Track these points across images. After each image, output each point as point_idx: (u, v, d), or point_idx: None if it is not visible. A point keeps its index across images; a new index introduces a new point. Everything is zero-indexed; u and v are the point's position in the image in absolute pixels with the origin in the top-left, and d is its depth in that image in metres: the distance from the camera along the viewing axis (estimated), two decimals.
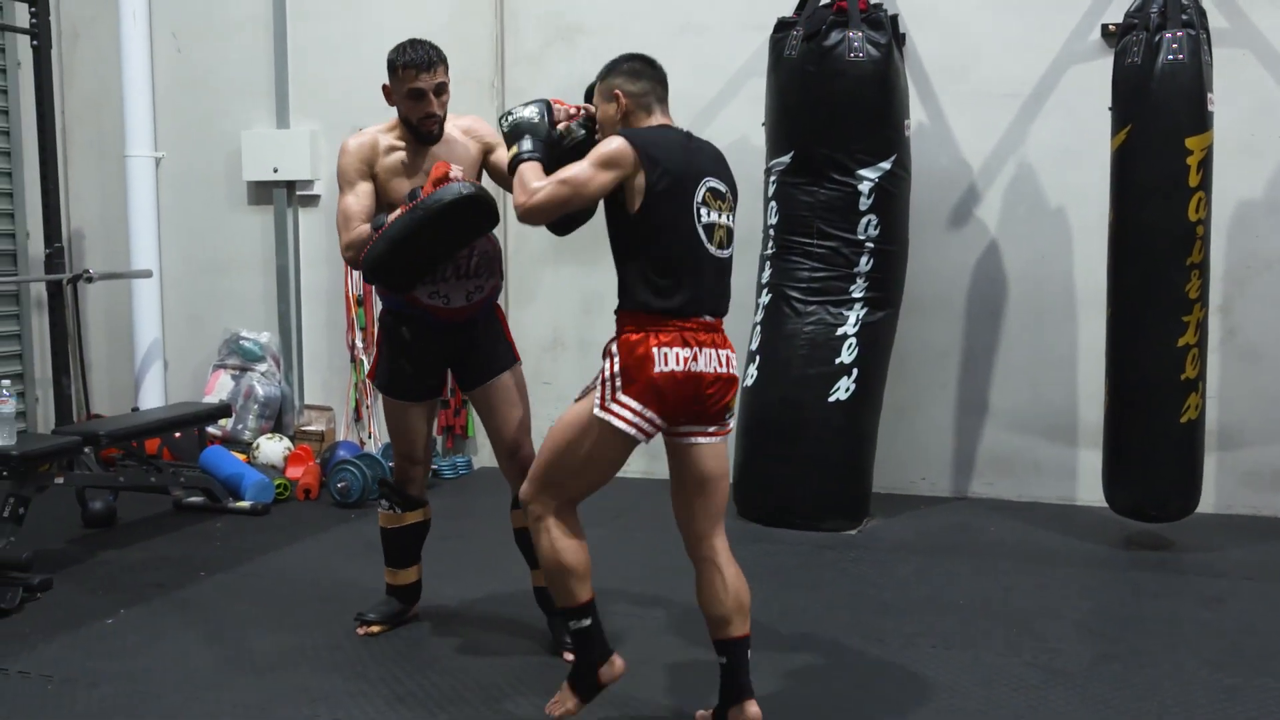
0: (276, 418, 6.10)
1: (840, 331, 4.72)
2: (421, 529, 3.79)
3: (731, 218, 2.93)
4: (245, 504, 5.15)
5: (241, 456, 5.59)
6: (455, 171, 3.30)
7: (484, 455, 6.01)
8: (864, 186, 4.69)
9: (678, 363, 2.76)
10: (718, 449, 2.90)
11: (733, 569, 2.93)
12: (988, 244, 5.27)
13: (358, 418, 6.10)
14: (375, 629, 3.70)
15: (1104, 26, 5.04)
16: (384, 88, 3.47)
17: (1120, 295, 4.45)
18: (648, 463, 5.76)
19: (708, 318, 2.84)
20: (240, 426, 5.97)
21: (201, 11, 6.26)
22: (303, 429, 6.13)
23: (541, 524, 2.90)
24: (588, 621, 2.92)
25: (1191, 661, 3.43)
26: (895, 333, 4.93)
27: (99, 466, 5.05)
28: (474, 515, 5.15)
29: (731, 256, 2.93)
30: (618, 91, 2.95)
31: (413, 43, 3.46)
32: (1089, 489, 4.96)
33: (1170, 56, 4.30)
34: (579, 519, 2.97)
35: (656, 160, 2.79)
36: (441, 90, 3.43)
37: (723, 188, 2.92)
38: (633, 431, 2.77)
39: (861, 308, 4.75)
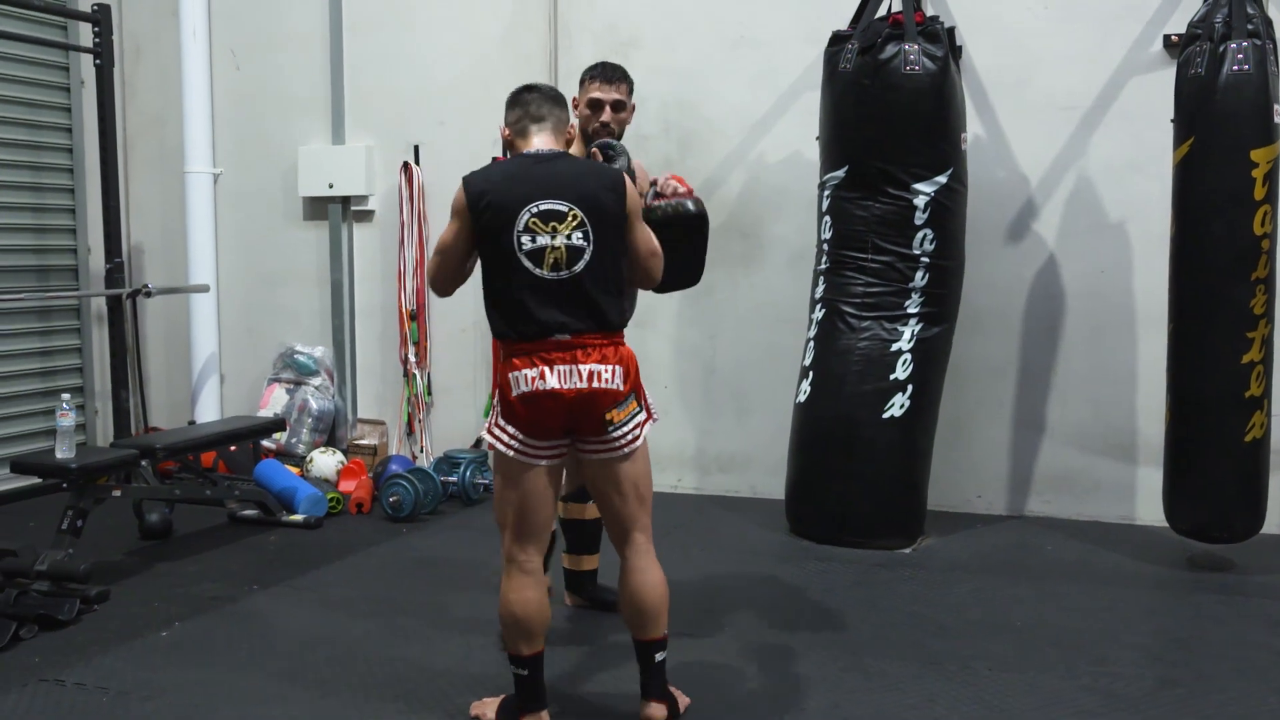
0: (330, 431, 6.14)
1: (895, 347, 4.67)
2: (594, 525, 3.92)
3: (582, 235, 2.90)
4: (299, 517, 5.19)
5: (295, 470, 5.63)
6: (668, 184, 3.58)
7: None
8: (920, 201, 4.64)
9: (528, 384, 2.89)
10: (609, 462, 2.99)
11: (644, 575, 3.06)
12: (1046, 258, 5.19)
13: (410, 432, 6.13)
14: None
15: (1166, 37, 4.96)
16: (572, 99, 3.68)
17: (1182, 310, 4.35)
18: (699, 478, 5.75)
19: (562, 337, 2.90)
20: (294, 440, 6.02)
21: (259, 28, 6.35)
22: (355, 443, 6.17)
23: (505, 568, 3.01)
24: (525, 671, 3.01)
25: (1259, 688, 3.33)
26: (951, 348, 4.86)
27: (156, 479, 5.11)
28: None
29: (586, 272, 2.90)
30: (501, 125, 3.16)
31: (603, 63, 3.81)
32: (1149, 508, 4.86)
33: (1235, 67, 4.21)
34: (545, 571, 3.06)
35: (483, 195, 2.94)
36: (619, 107, 3.71)
37: (563, 207, 2.91)
38: (510, 453, 2.93)
39: (917, 323, 4.69)
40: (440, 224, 6.05)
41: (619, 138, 3.72)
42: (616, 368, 2.93)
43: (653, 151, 5.72)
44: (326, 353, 6.22)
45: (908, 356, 4.66)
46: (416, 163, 6.08)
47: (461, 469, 5.53)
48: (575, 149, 3.25)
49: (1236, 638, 3.74)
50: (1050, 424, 5.23)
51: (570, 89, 5.83)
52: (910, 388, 4.66)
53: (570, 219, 2.91)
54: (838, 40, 4.83)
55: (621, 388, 2.93)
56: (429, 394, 6.11)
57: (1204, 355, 4.28)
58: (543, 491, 2.97)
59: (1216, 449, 4.28)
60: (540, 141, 3.05)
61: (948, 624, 3.88)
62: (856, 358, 4.71)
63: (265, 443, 5.89)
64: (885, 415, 4.65)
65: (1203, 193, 4.27)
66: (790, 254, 5.45)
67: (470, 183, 2.98)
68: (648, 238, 3.08)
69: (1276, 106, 4.26)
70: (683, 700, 3.19)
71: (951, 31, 4.83)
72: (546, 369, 2.88)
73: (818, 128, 4.96)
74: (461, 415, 6.07)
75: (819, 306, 4.87)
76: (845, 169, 4.75)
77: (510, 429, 2.93)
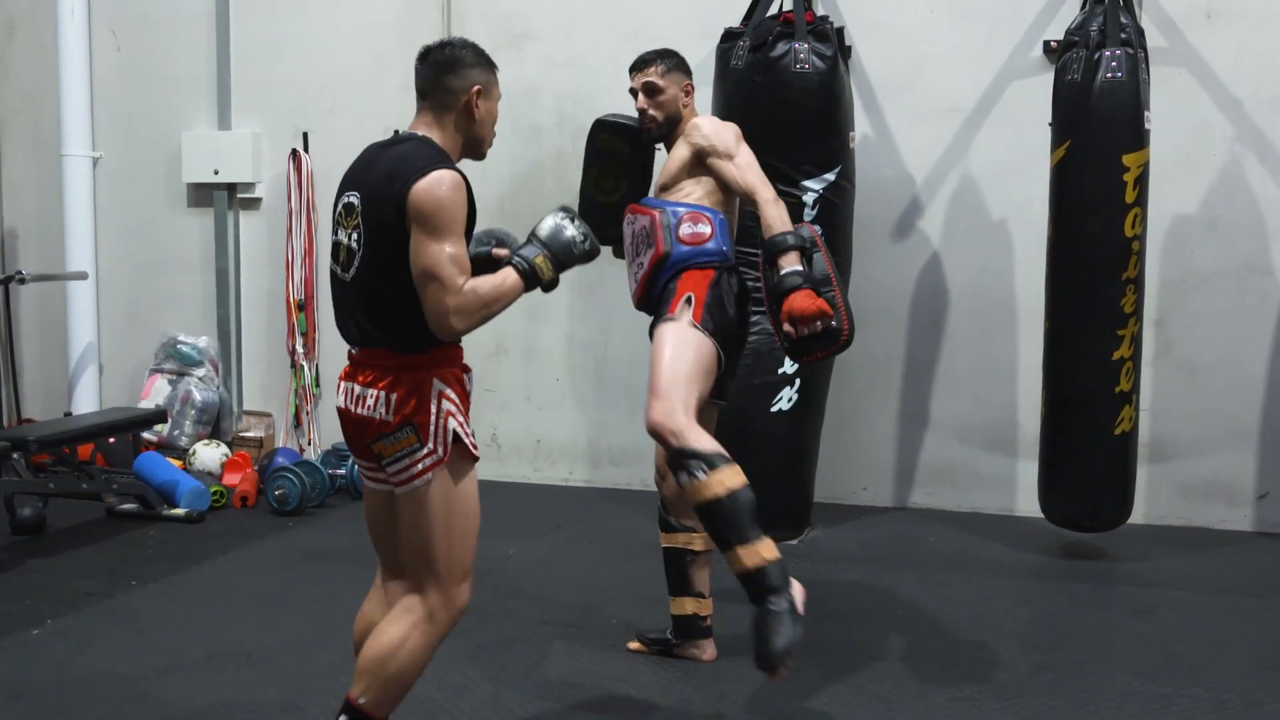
0: (214, 424, 6.01)
1: None
2: (679, 555, 3.46)
3: (358, 236, 2.52)
4: (180, 511, 5.06)
5: (177, 463, 5.50)
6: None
7: None
8: (808, 197, 4.71)
9: (336, 395, 2.63)
10: (382, 496, 2.61)
11: (379, 630, 2.57)
12: (930, 256, 5.31)
13: (298, 424, 6.02)
14: (635, 646, 3.58)
15: (1046, 43, 5.10)
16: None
17: (1057, 308, 4.50)
18: (590, 471, 5.78)
19: (353, 350, 2.58)
20: (176, 432, 5.88)
21: (141, 8, 6.17)
22: (241, 435, 6.04)
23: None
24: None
25: (1124, 672, 3.47)
26: None
27: (29, 472, 4.95)
28: None
29: (356, 280, 2.53)
30: None
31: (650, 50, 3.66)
32: (1028, 499, 5.00)
33: (1109, 74, 4.35)
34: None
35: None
36: (651, 90, 3.55)
37: (355, 201, 2.54)
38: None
39: None
40: (330, 212, 5.97)
41: (668, 121, 3.53)
42: (384, 394, 2.47)
43: (546, 144, 5.72)
44: (211, 343, 6.08)
45: None
46: (306, 150, 5.98)
47: (350, 462, 5.46)
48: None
49: (1105, 623, 3.88)
50: (934, 418, 5.36)
51: None
52: (798, 382, 4.73)
53: (356, 215, 2.53)
54: (729, 37, 4.88)
55: (389, 418, 2.46)
56: (317, 386, 6.02)
57: (1078, 352, 4.43)
58: (372, 511, 2.68)
59: (1088, 442, 4.43)
60: (416, 122, 2.62)
61: (831, 613, 3.95)
62: (746, 352, 4.74)
63: (146, 435, 5.75)
64: (774, 409, 4.72)
65: (1078, 194, 4.42)
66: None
67: None
68: (423, 255, 2.43)
69: (1146, 113, 4.42)
70: None
71: (841, 32, 4.91)
72: (342, 381, 2.59)
73: None
74: None
75: None
76: None
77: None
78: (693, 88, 3.63)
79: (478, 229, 2.74)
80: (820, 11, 5.13)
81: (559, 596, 4.12)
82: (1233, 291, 5.01)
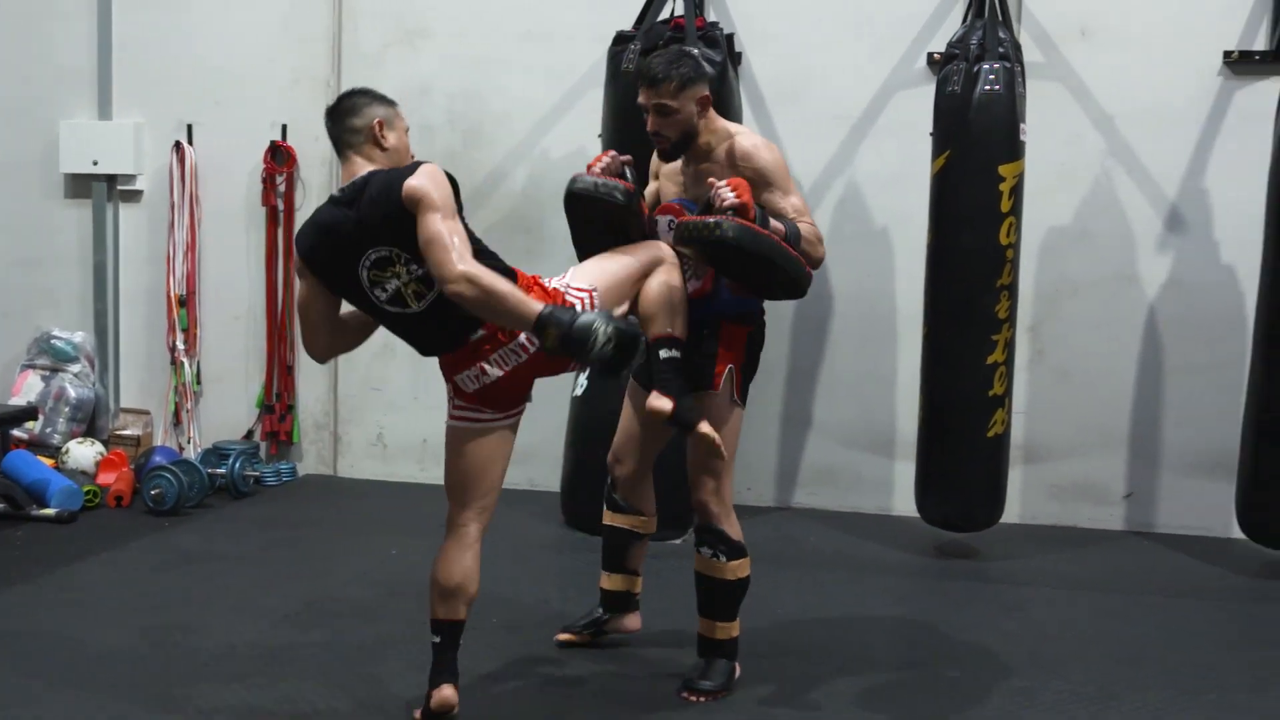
0: (89, 421, 5.83)
1: None
2: (625, 536, 3.59)
3: (414, 269, 2.89)
4: (50, 511, 4.91)
5: (49, 461, 5.33)
6: (598, 165, 3.27)
7: (309, 462, 5.88)
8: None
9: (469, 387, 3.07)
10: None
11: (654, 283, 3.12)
12: None
13: (177, 422, 5.88)
14: (565, 636, 3.67)
15: (929, 55, 5.23)
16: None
17: (935, 314, 4.62)
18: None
19: (449, 354, 3.03)
20: (49, 430, 5.69)
21: None
22: (117, 433, 5.88)
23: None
24: (438, 639, 3.05)
25: (990, 667, 3.58)
26: None
27: None
28: (297, 524, 5.03)
29: (431, 304, 2.94)
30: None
31: (658, 54, 3.32)
32: (905, 500, 5.11)
33: (987, 87, 4.48)
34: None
35: None
36: (664, 111, 3.21)
37: (387, 252, 2.89)
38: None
39: None
40: (215, 206, 5.86)
41: (682, 139, 3.26)
42: (512, 342, 3.00)
43: (437, 143, 5.68)
44: (87, 338, 5.91)
45: None
46: (189, 142, 5.84)
47: (230, 461, 5.35)
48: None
49: (975, 620, 3.99)
50: (816, 421, 5.45)
51: (354, 75, 5.78)
52: None
53: (397, 262, 2.91)
54: (621, 40, 4.90)
55: (531, 344, 2.97)
56: (198, 383, 5.88)
57: (954, 357, 4.55)
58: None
59: (962, 445, 4.55)
60: (346, 174, 2.97)
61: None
62: None
63: (16, 432, 5.55)
64: None
65: (956, 204, 4.54)
66: (574, 251, 5.47)
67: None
68: (425, 228, 2.80)
69: (1022, 125, 4.56)
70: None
71: (730, 38, 4.97)
72: (468, 372, 3.00)
73: (600, 125, 5.03)
74: (233, 406, 5.87)
75: None
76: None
77: None
78: (710, 98, 3.31)
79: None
80: (711, 18, 5.19)
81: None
82: (1103, 300, 5.19)
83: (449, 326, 2.92)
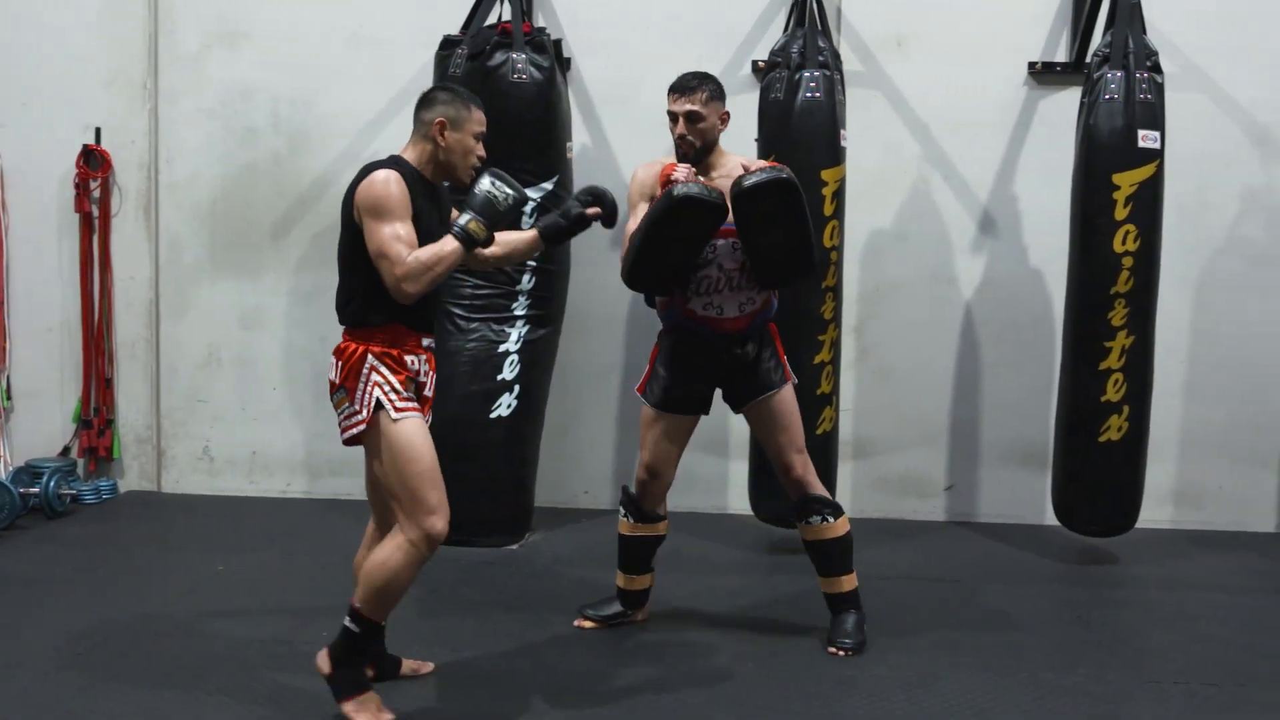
0: None
1: (502, 348, 4.77)
2: (651, 542, 3.93)
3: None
4: None
5: None
6: (679, 173, 3.55)
7: (130, 478, 5.66)
8: (527, 206, 4.74)
9: None
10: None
11: (373, 553, 3.18)
12: None
13: None
14: (588, 624, 3.91)
15: (754, 62, 5.35)
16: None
17: None
18: (309, 482, 5.63)
19: None
20: None
21: None
22: None
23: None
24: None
25: (818, 655, 3.70)
26: (557, 350, 5.03)
27: None
28: (118, 543, 4.84)
29: (339, 273, 3.23)
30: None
31: (689, 72, 3.75)
32: (740, 498, 5.21)
33: (808, 94, 4.62)
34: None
35: None
36: (694, 118, 3.62)
37: None
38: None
39: (524, 325, 4.81)
40: (25, 213, 5.57)
41: (704, 148, 3.67)
42: (336, 360, 3.13)
43: (261, 148, 5.55)
44: None
45: (515, 358, 4.78)
46: None
47: (45, 479, 5.11)
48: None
49: (804, 612, 4.08)
50: None
51: (172, 76, 5.60)
52: (517, 388, 4.78)
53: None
54: (448, 45, 4.88)
55: (335, 380, 3.13)
56: (8, 398, 5.60)
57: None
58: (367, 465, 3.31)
59: None
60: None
61: (547, 616, 4.01)
62: (465, 359, 4.77)
63: None
64: (493, 415, 4.74)
65: None
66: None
67: None
68: (369, 237, 3.03)
69: (843, 132, 4.71)
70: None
71: (559, 43, 5.00)
72: None
73: None
74: (47, 421, 5.60)
75: None
76: None
77: None
78: (728, 115, 3.74)
79: (577, 189, 3.64)
80: (540, 23, 5.21)
81: (270, 612, 4.00)
82: (923, 300, 5.39)
83: (337, 304, 3.23)
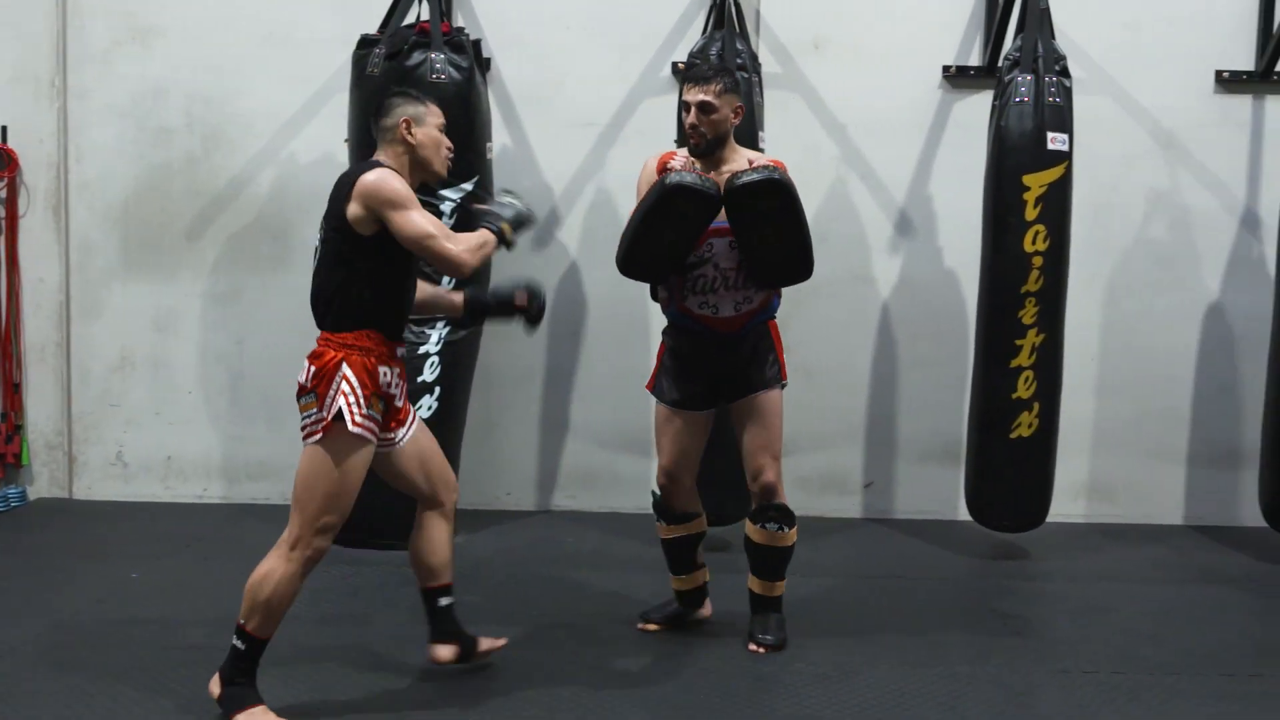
0: None
1: (423, 350, 4.74)
2: (691, 540, 3.93)
3: (320, 234, 3.21)
4: None
5: None
6: (675, 161, 3.66)
7: (40, 485, 5.53)
8: (446, 207, 4.74)
9: None
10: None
11: (258, 567, 3.14)
12: (569, 266, 5.47)
13: None
14: (652, 627, 3.94)
15: (674, 64, 5.38)
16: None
17: None
18: (226, 487, 5.55)
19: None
20: None
21: None
22: None
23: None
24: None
25: (737, 651, 3.74)
26: (479, 351, 5.01)
27: None
28: (26, 551, 4.73)
29: (315, 274, 3.21)
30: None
31: (701, 63, 3.93)
32: None
33: None
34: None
35: None
36: (706, 108, 3.60)
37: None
38: None
39: (444, 326, 4.77)
40: None
41: (715, 139, 3.65)
42: (308, 364, 3.12)
43: (176, 147, 5.46)
44: None
45: (435, 359, 4.75)
46: None
47: None
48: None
49: (723, 610, 4.07)
50: (574, 424, 5.52)
51: (81, 74, 5.49)
52: (438, 390, 4.75)
53: (325, 223, 3.20)
54: (365, 44, 4.83)
55: (305, 383, 3.11)
56: None
57: None
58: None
59: (713, 441, 4.66)
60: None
61: (468, 618, 3.98)
62: None
63: None
64: None
65: None
66: (306, 255, 5.36)
67: None
68: (406, 226, 3.06)
69: (761, 134, 4.76)
70: None
71: (478, 44, 4.98)
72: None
73: (347, 130, 4.94)
74: None
75: None
76: None
77: None
78: (743, 109, 3.74)
79: (497, 189, 4.00)
80: (459, 22, 5.19)
81: (186, 619, 3.94)
82: (842, 299, 5.46)
83: (312, 303, 3.23)
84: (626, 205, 5.41)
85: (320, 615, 3.97)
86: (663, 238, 3.59)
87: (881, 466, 5.52)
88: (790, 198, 3.51)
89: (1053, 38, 4.72)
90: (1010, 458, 4.70)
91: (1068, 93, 4.64)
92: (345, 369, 3.07)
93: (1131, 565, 4.85)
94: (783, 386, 3.78)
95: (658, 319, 5.32)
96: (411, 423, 3.36)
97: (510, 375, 5.43)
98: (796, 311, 5.44)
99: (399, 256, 3.15)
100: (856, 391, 5.51)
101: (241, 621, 3.08)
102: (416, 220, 3.07)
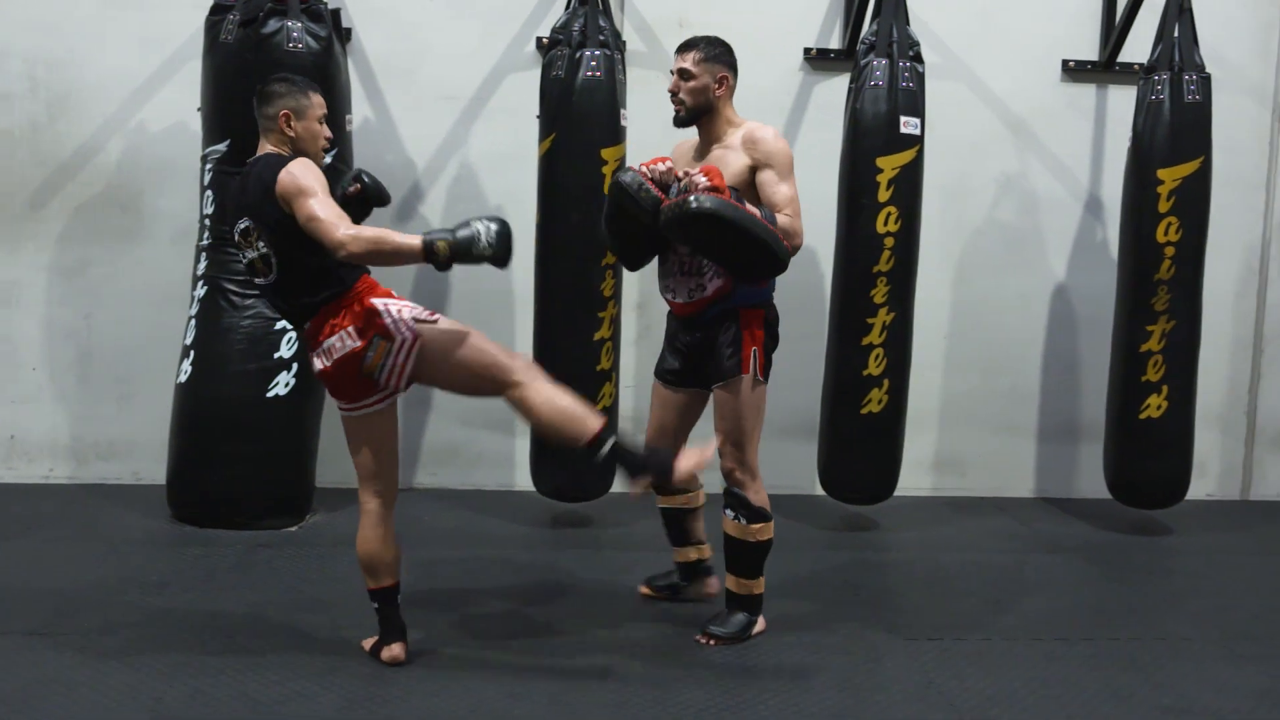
0: None
1: (280, 325, 4.65)
2: (677, 514, 3.97)
3: (264, 246, 3.26)
4: None
5: None
6: (646, 163, 3.64)
7: None
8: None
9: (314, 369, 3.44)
10: (382, 419, 3.44)
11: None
12: None
13: None
14: (646, 591, 4.05)
15: (538, 39, 5.35)
16: None
17: (546, 293, 4.76)
18: (74, 467, 5.37)
19: (304, 328, 3.36)
20: None
21: None
22: None
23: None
24: (375, 605, 3.44)
25: (604, 624, 3.81)
26: None
27: None
28: None
29: (279, 276, 3.29)
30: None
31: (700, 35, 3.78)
32: (525, 475, 5.23)
33: (589, 73, 4.66)
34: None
35: None
36: (685, 75, 3.66)
37: (249, 224, 3.26)
38: None
39: None
40: None
41: (695, 108, 3.69)
42: (344, 330, 3.26)
43: (17, 113, 5.24)
44: None
45: (293, 335, 4.67)
46: None
47: None
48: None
49: (590, 585, 4.18)
50: (436, 401, 5.47)
51: None
52: (295, 366, 4.67)
53: (254, 235, 3.26)
54: (219, 10, 4.71)
55: (358, 342, 3.23)
56: None
57: (562, 333, 4.71)
58: (379, 439, 3.42)
59: None
60: (260, 146, 3.40)
61: (324, 597, 3.96)
62: (240, 336, 4.64)
63: None
64: (270, 394, 4.63)
65: (562, 185, 4.69)
66: (176, 229, 5.21)
67: None
68: (300, 211, 3.13)
69: (623, 111, 4.78)
70: None
71: (337, 14, 4.88)
72: (312, 356, 3.37)
73: (200, 98, 4.81)
74: None
75: (201, 284, 4.73)
76: (227, 143, 4.66)
77: None
78: (729, 80, 3.70)
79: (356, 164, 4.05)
80: None
81: (27, 602, 3.82)
82: None
83: (290, 306, 3.33)
84: (490, 180, 5.42)
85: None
86: (624, 227, 3.67)
87: None
88: (715, 221, 3.36)
89: (907, 23, 4.84)
90: (860, 432, 4.83)
91: (921, 78, 4.77)
92: (376, 301, 3.26)
93: (978, 536, 5.04)
94: (760, 381, 3.67)
95: (521, 294, 5.35)
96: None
97: None
98: (655, 289, 5.47)
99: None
100: None
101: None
102: (308, 205, 3.13)
